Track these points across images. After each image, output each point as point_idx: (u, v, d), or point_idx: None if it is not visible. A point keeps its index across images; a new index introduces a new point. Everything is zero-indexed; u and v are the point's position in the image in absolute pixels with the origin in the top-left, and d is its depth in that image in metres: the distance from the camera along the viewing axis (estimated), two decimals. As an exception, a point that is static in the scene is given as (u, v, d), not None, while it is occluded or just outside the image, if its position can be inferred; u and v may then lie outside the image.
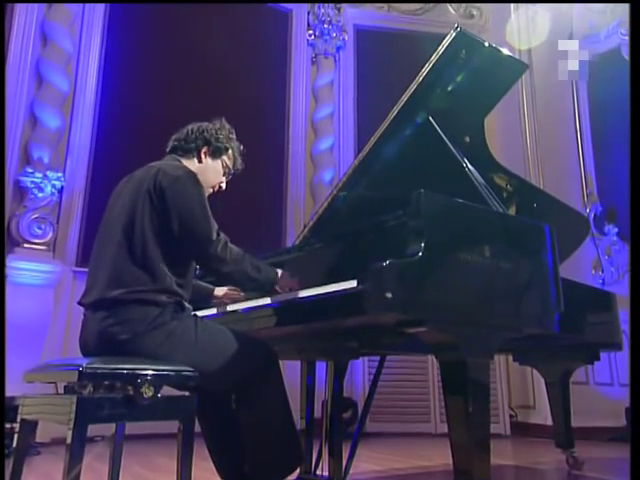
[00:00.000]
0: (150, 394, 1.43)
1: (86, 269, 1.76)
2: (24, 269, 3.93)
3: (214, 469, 1.83)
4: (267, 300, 1.79)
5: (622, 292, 3.39)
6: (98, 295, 1.61)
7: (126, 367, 1.44)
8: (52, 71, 4.32)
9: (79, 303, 1.69)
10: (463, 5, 5.92)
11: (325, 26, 5.55)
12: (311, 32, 5.58)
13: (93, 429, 1.36)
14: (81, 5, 4.59)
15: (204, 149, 1.87)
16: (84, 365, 1.39)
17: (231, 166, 1.94)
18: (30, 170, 4.10)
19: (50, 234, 4.11)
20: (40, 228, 4.07)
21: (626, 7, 4.40)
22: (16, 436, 1.61)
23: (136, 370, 1.44)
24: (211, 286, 2.08)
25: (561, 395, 2.82)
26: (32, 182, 4.10)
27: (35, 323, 3.86)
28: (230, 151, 1.93)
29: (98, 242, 1.74)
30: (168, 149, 1.90)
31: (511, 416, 4.61)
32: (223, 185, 1.95)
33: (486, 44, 2.09)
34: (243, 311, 1.90)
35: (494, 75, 2.20)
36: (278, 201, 5.14)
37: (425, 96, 2.06)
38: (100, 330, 1.58)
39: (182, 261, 1.71)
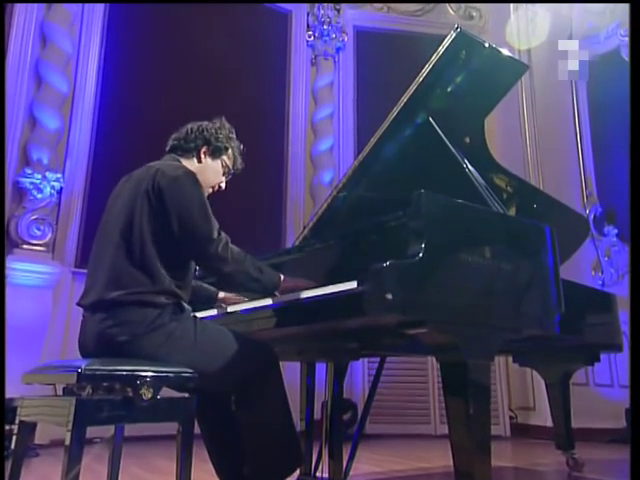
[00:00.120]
0: (149, 396, 1.42)
1: (85, 270, 1.76)
2: (23, 270, 3.92)
3: (214, 471, 1.82)
4: (267, 301, 1.78)
5: (622, 293, 3.38)
6: (97, 296, 1.60)
7: (125, 368, 1.44)
8: (51, 72, 4.31)
9: (78, 304, 1.69)
10: (462, 6, 5.93)
11: (325, 27, 5.55)
12: (311, 33, 5.58)
13: (92, 430, 1.36)
14: (80, 6, 4.59)
15: (204, 149, 1.86)
16: (83, 367, 1.39)
17: (231, 166, 1.93)
18: (29, 171, 4.09)
19: (49, 235, 4.11)
20: (39, 229, 4.07)
21: (625, 8, 4.40)
22: (14, 438, 1.60)
23: (135, 371, 1.44)
24: (214, 288, 2.05)
25: (561, 396, 2.82)
26: (31, 183, 4.09)
27: (34, 324, 3.85)
28: (230, 151, 1.91)
29: (97, 243, 1.73)
30: (167, 148, 1.89)
31: (511, 417, 4.60)
32: (223, 185, 1.94)
33: (486, 45, 2.09)
34: (242, 312, 1.90)
35: (494, 76, 2.20)
36: (278, 202, 5.14)
37: (425, 96, 2.06)
38: (99, 332, 1.57)
39: (181, 262, 1.70)
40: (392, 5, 5.82)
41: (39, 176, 4.11)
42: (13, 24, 4.26)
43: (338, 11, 5.62)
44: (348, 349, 2.02)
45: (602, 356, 2.77)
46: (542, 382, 2.97)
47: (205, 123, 1.89)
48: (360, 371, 4.57)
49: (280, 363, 1.73)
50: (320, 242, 2.04)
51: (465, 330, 1.52)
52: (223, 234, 1.68)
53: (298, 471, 1.95)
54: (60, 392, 1.58)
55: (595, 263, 4.63)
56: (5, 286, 3.68)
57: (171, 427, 1.49)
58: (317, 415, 2.21)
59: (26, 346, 3.64)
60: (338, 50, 5.62)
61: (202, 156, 1.86)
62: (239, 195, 4.10)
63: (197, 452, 1.52)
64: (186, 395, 1.59)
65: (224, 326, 1.74)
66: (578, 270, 4.21)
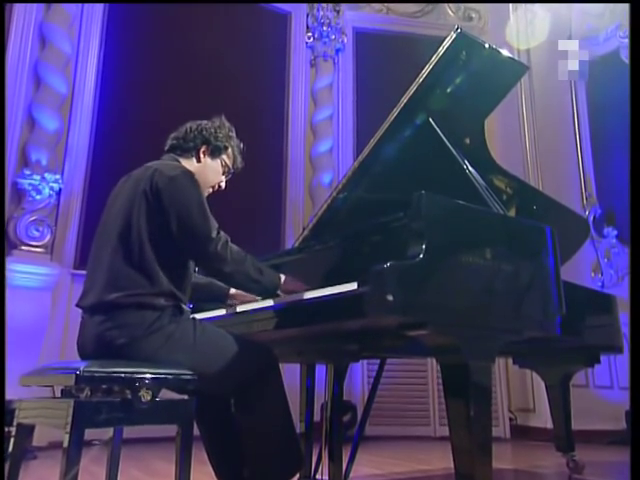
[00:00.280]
0: (148, 398, 1.41)
1: (84, 271, 1.75)
2: (22, 272, 3.91)
3: (213, 473, 1.81)
4: (268, 302, 1.77)
5: (621, 295, 3.37)
6: (96, 298, 1.59)
7: (124, 370, 1.42)
8: (50, 73, 4.31)
9: (77, 305, 1.68)
10: (462, 8, 5.93)
11: (324, 28, 5.55)
12: (310, 34, 5.58)
13: (90, 432, 1.35)
14: (80, 7, 4.58)
15: (203, 148, 1.84)
16: (81, 368, 1.38)
17: (231, 165, 1.91)
18: (28, 172, 4.09)
19: (48, 236, 4.10)
20: (38, 230, 4.06)
21: (624, 10, 4.41)
22: (12, 440, 1.59)
23: (134, 374, 1.43)
24: (225, 285, 2.00)
25: (561, 398, 2.81)
26: (30, 184, 4.09)
27: (32, 326, 3.84)
28: (230, 150, 1.90)
29: (96, 244, 1.73)
30: (166, 148, 1.88)
31: (511, 419, 4.60)
32: (223, 184, 1.92)
33: (486, 45, 2.08)
34: (249, 313, 1.88)
35: (494, 77, 2.19)
36: (277, 203, 5.13)
37: (425, 97, 2.05)
38: (98, 334, 1.56)
39: (180, 263, 1.69)
40: (391, 6, 5.82)
41: (38, 177, 4.10)
42: (12, 25, 4.25)
43: (337, 12, 5.63)
44: (348, 351, 2.01)
45: (602, 358, 2.77)
46: (542, 384, 2.96)
47: (204, 122, 1.88)
48: (359, 373, 4.57)
49: (280, 365, 1.73)
50: (320, 243, 2.03)
51: (466, 331, 1.52)
52: (222, 233, 1.67)
53: (298, 474, 1.93)
54: (58, 394, 1.57)
55: (595, 265, 4.62)
56: (5, 288, 3.67)
57: (170, 429, 1.48)
58: (317, 417, 2.20)
59: (24, 348, 3.62)
60: (337, 51, 5.62)
61: (201, 156, 1.85)
62: (238, 196, 4.10)
63: (196, 454, 1.51)
64: (185, 397, 1.58)
65: (223, 328, 1.74)
66: (578, 272, 4.20)
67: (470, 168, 2.07)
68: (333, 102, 5.51)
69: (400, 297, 1.37)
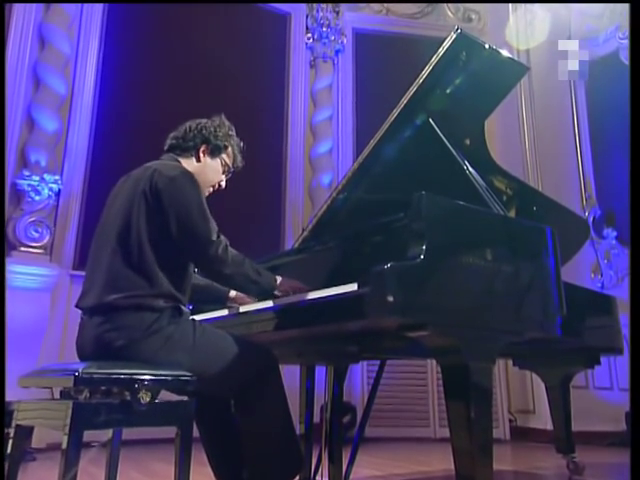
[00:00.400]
0: (147, 399, 1.41)
1: (83, 272, 1.74)
2: (21, 273, 3.90)
3: (212, 475, 1.80)
4: (268, 303, 1.77)
5: (621, 296, 3.37)
6: (94, 300, 1.58)
7: (123, 372, 1.42)
8: (49, 74, 4.30)
9: (77, 306, 1.67)
10: (461, 9, 5.94)
11: (324, 29, 5.55)
12: (310, 35, 5.58)
13: (89, 434, 1.34)
14: (79, 7, 4.58)
15: (202, 148, 1.83)
16: (80, 370, 1.37)
17: (231, 164, 1.91)
18: (27, 173, 4.08)
19: (47, 237, 4.09)
20: (37, 231, 4.05)
21: (624, 10, 4.41)
22: (11, 442, 1.58)
23: (133, 375, 1.42)
24: (225, 287, 2.00)
25: (561, 399, 2.80)
26: (29, 185, 4.08)
27: (31, 327, 3.83)
28: (229, 149, 1.89)
29: (95, 245, 1.72)
30: (166, 147, 1.87)
31: (511, 421, 4.59)
32: (223, 184, 1.91)
33: (486, 46, 2.08)
34: (247, 314, 1.87)
35: (494, 77, 2.19)
36: (276, 204, 5.13)
37: (425, 98, 2.05)
38: (96, 335, 1.55)
39: (180, 265, 1.68)
40: (391, 7, 5.82)
41: (37, 178, 4.09)
42: (11, 26, 4.25)
43: (337, 13, 5.62)
44: (348, 352, 2.01)
45: (602, 359, 2.76)
46: (542, 385, 2.95)
47: (204, 121, 1.87)
48: (359, 374, 4.56)
49: (280, 366, 1.72)
50: (320, 244, 2.03)
51: (466, 332, 1.51)
52: (222, 236, 1.67)
53: (298, 475, 1.93)
54: (57, 395, 1.56)
55: (594, 266, 4.62)
56: (5, 289, 3.66)
57: (170, 430, 1.47)
58: (317, 418, 2.20)
59: (23, 349, 3.61)
60: (337, 52, 5.62)
61: (201, 155, 1.84)
62: (238, 197, 4.09)
63: (196, 456, 1.51)
64: (185, 399, 1.58)
65: (223, 329, 1.73)
66: (577, 273, 4.20)
67: (470, 169, 2.07)
68: (333, 103, 5.51)
69: (400, 298, 1.37)
